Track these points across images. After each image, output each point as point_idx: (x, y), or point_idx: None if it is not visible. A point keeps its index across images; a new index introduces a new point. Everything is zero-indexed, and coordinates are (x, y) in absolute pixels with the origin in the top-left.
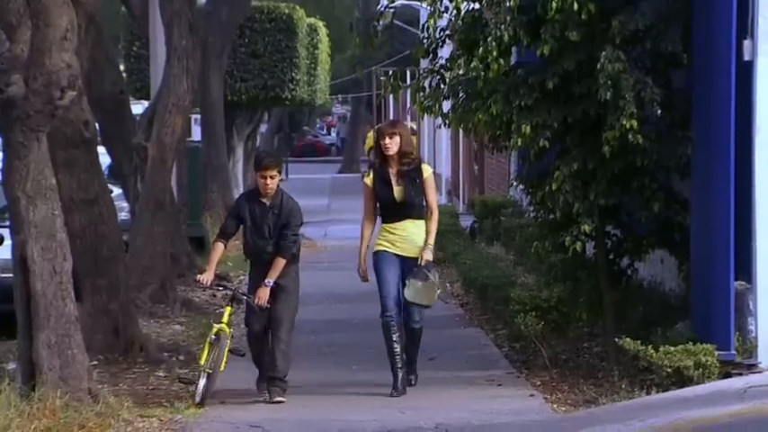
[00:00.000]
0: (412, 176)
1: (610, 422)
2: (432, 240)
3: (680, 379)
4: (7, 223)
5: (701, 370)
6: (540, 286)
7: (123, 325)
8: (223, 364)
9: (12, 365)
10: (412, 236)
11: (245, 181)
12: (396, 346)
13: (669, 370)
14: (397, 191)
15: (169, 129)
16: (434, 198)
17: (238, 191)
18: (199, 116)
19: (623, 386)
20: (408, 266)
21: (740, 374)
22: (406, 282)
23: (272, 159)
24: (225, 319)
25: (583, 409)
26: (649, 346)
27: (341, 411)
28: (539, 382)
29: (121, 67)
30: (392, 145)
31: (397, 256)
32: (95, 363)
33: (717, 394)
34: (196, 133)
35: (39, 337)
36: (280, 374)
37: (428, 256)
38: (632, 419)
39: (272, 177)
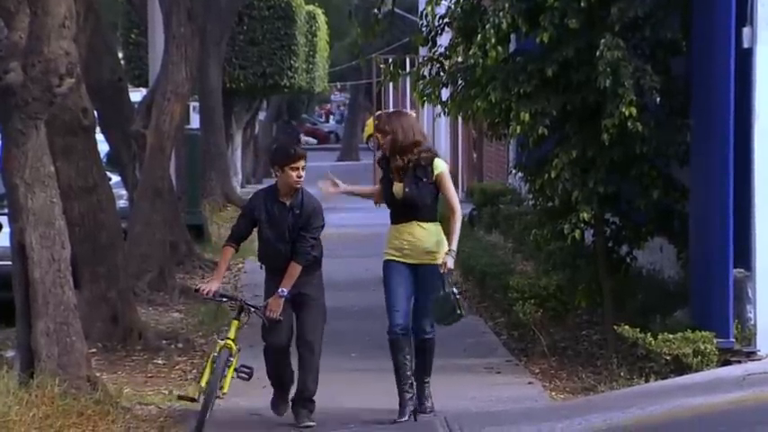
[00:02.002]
0: (418, 174)
1: (608, 410)
2: (454, 245)
3: (679, 366)
4: (6, 211)
5: (699, 357)
6: (538, 274)
7: (122, 312)
8: (226, 385)
9: (10, 353)
10: (420, 241)
11: (244, 169)
12: (403, 366)
13: (668, 357)
14: (396, 188)
15: (168, 116)
16: (452, 196)
17: (237, 179)
18: (197, 104)
19: (622, 374)
20: (421, 275)
21: (739, 362)
22: (434, 299)
23: (302, 149)
24: (231, 334)
25: (581, 396)
26: (648, 334)
27: (340, 399)
28: (537, 370)
29: (120, 55)
30: (386, 143)
31: (408, 265)
32: (94, 350)
33: (716, 382)
34: (195, 121)
35: (37, 325)
36: (310, 395)
37: (450, 264)
38: (631, 407)
39: (303, 168)
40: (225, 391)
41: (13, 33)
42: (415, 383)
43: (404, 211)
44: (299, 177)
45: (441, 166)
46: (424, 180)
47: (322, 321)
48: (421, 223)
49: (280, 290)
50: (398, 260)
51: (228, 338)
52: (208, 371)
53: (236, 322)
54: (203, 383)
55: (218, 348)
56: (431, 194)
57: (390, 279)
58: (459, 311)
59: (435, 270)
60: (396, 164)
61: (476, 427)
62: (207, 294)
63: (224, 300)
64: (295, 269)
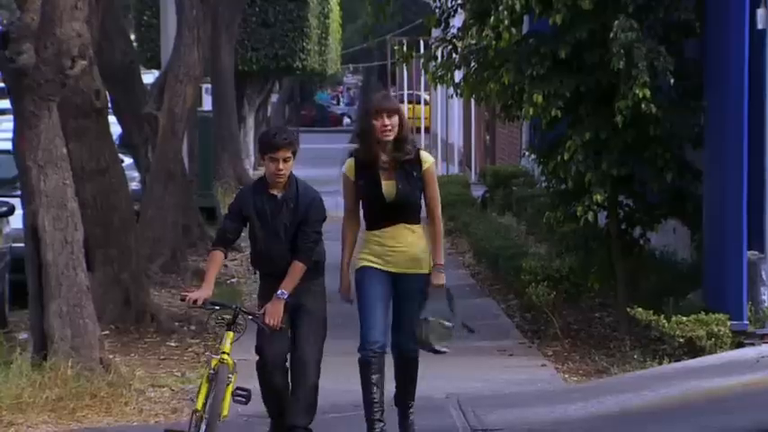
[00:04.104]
0: (407, 169)
1: (621, 392)
2: (440, 258)
3: (692, 349)
4: (18, 193)
5: (713, 340)
6: (551, 256)
7: (134, 295)
8: (225, 407)
9: (23, 335)
10: (406, 246)
11: (256, 151)
12: (375, 391)
13: (681, 340)
14: (386, 186)
15: (180, 98)
16: (437, 197)
17: (249, 161)
18: (210, 86)
19: (635, 356)
20: (404, 285)
21: (753, 344)
22: (424, 317)
23: (286, 137)
24: (226, 347)
25: (594, 378)
26: (661, 316)
27: (353, 381)
28: (550, 352)
29: (132, 37)
30: (393, 127)
31: (389, 273)
32: (107, 332)
33: (729, 364)
34: (207, 103)
35: (50, 307)
36: (303, 423)
37: (439, 280)
38: (644, 389)
39: (285, 161)
40: (225, 414)
41: (25, 15)
42: (397, 410)
43: (391, 214)
44: (279, 170)
45: (429, 159)
46: (414, 175)
47: (323, 338)
48: (409, 226)
49: (279, 292)
50: (378, 267)
51: (224, 353)
52: (204, 392)
53: (230, 334)
54: (199, 407)
55: (213, 365)
56: (418, 192)
57: (368, 289)
58: (446, 339)
59: (421, 279)
60: (390, 157)
61: (488, 410)
62: (195, 303)
63: (216, 308)
64: (298, 269)
